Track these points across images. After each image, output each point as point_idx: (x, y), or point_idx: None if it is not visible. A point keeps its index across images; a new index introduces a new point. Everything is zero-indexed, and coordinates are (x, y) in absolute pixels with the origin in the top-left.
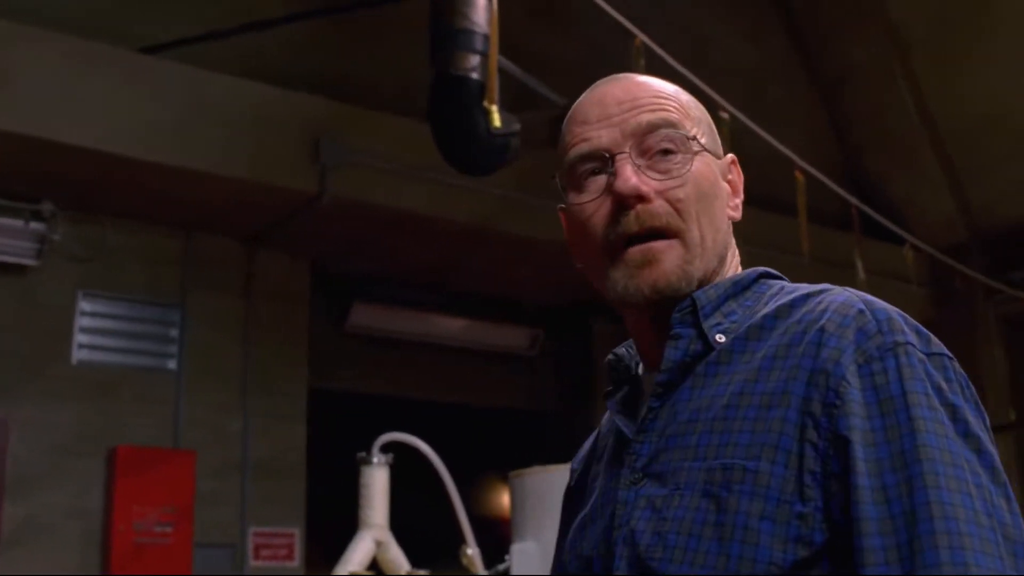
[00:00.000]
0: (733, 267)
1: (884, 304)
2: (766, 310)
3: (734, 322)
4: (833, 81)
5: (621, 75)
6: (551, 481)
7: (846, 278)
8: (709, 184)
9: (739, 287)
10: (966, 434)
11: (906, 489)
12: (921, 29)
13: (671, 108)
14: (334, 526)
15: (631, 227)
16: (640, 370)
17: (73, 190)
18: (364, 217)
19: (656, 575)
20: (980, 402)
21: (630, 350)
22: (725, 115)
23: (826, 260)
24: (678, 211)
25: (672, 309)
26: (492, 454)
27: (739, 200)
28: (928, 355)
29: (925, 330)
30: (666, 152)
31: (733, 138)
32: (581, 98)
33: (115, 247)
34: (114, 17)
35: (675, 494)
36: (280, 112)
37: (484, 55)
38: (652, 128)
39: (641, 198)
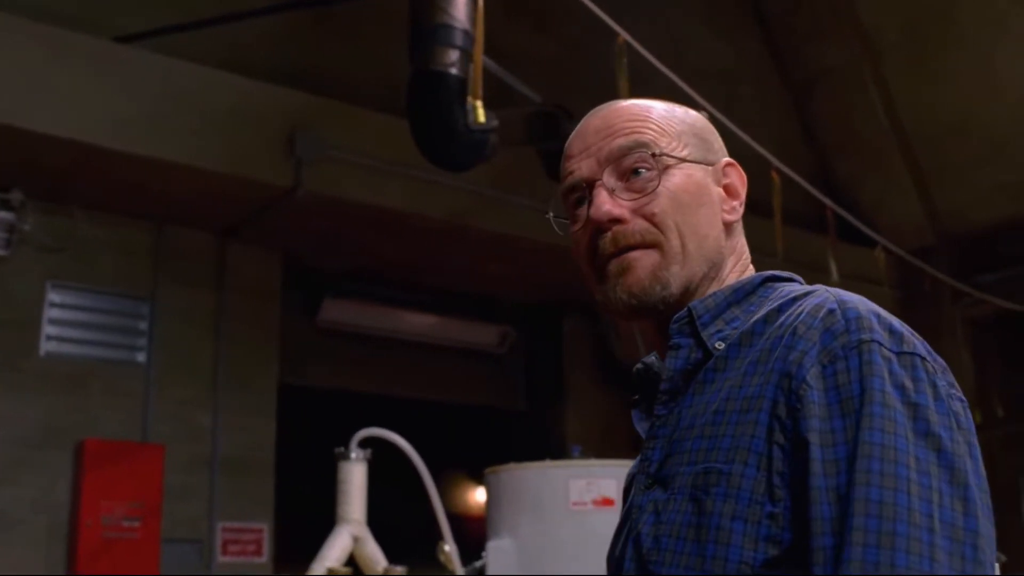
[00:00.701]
0: (738, 270)
1: (859, 302)
2: (759, 315)
3: (735, 328)
4: (805, 84)
5: (606, 104)
6: (527, 478)
7: (819, 280)
8: (690, 194)
9: (741, 293)
10: (926, 433)
11: (861, 485)
12: (892, 36)
13: (644, 129)
14: (303, 522)
15: (607, 249)
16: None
17: (44, 179)
18: (338, 212)
19: None
20: (959, 401)
21: (659, 359)
22: (704, 115)
23: (797, 261)
24: (655, 225)
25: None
26: (460, 451)
27: (736, 202)
28: (898, 354)
29: (901, 328)
30: (638, 171)
31: None
32: (572, 133)
33: (86, 238)
34: (89, 5)
35: (671, 498)
36: (256, 105)
37: (464, 51)
38: (623, 152)
39: (615, 220)
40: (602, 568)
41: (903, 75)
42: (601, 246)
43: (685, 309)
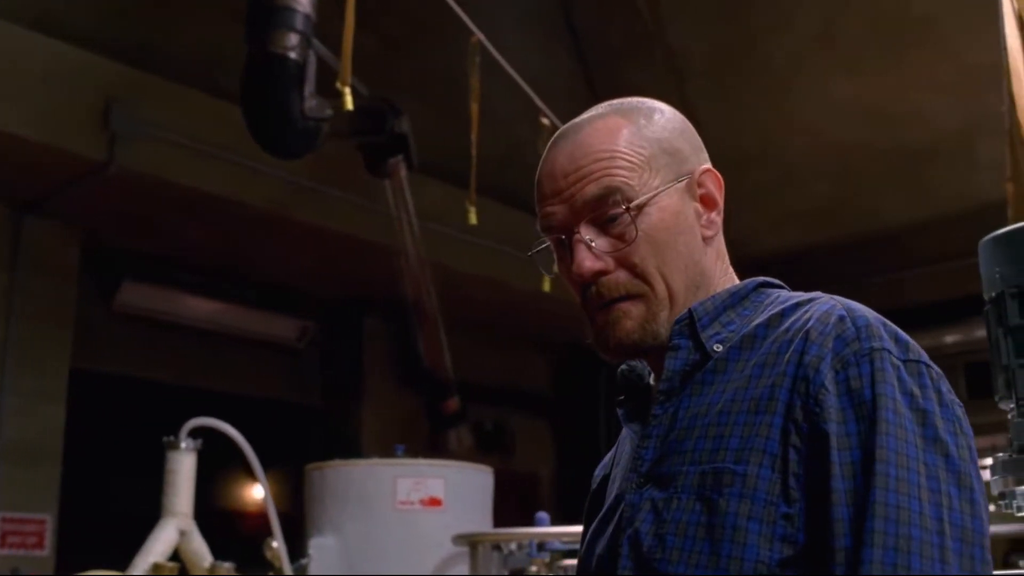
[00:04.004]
0: (725, 274)
1: (866, 311)
2: (759, 319)
3: (732, 331)
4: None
5: (571, 131)
6: (353, 476)
7: None
8: (666, 230)
9: (736, 297)
10: (934, 439)
11: (878, 487)
12: (699, 61)
13: (614, 170)
14: (89, 514)
15: (594, 302)
16: (652, 379)
17: None
18: (150, 192)
19: (657, 575)
20: (959, 407)
21: (642, 360)
22: (547, 121)
23: None
24: (637, 275)
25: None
26: (252, 446)
27: (714, 213)
28: (904, 361)
29: (905, 337)
30: (615, 217)
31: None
32: (541, 163)
33: None
34: None
35: (673, 497)
36: (71, 72)
37: (304, 35)
38: (597, 200)
39: (599, 273)
40: (427, 568)
41: (707, 100)
42: (588, 298)
43: (686, 311)
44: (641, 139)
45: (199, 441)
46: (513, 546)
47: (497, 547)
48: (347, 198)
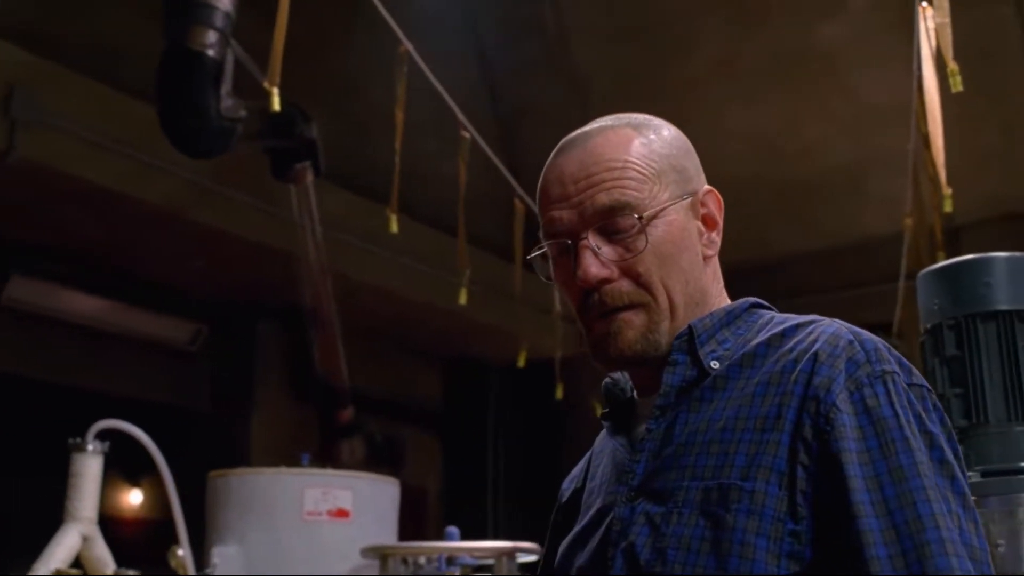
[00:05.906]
0: (720, 295)
1: (871, 336)
2: (759, 339)
3: (727, 349)
4: (513, 118)
5: (580, 138)
6: (259, 484)
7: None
8: (672, 244)
9: (731, 316)
10: (941, 460)
11: (908, 500)
12: (602, 83)
13: (625, 181)
14: None
15: (596, 309)
16: (635, 394)
17: None
18: (48, 184)
19: None
20: (954, 433)
21: (624, 375)
22: (467, 135)
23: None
24: (641, 284)
25: None
26: (125, 450)
27: (715, 232)
28: (910, 385)
29: (907, 362)
30: (624, 227)
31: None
32: (545, 168)
33: None
34: None
35: (673, 512)
36: None
37: (223, 33)
38: (607, 210)
39: (604, 281)
40: None
41: None
42: (590, 305)
43: (687, 327)
44: (651, 152)
45: (107, 444)
46: (422, 559)
47: (404, 560)
48: (248, 201)
